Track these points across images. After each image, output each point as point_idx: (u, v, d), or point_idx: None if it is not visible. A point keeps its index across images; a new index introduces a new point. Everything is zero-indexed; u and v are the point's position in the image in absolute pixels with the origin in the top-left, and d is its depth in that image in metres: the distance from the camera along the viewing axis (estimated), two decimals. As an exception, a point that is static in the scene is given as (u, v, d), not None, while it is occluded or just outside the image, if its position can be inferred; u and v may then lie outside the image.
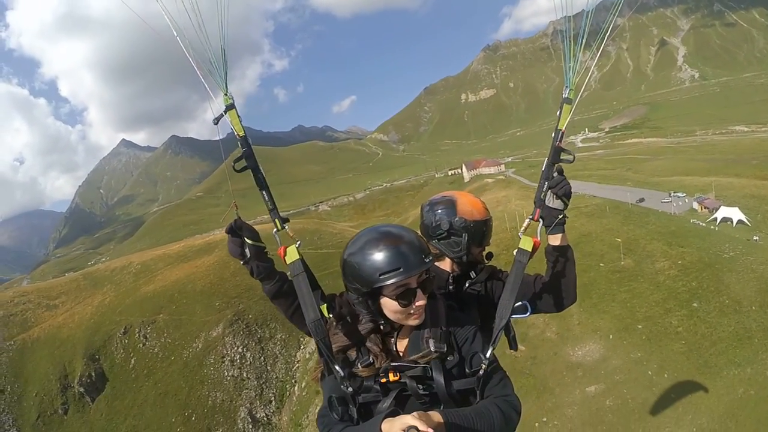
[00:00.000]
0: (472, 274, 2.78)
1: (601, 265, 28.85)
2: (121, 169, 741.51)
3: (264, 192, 2.54)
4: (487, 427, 1.75)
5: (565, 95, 2.46)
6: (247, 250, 2.42)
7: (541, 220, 2.48)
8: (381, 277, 1.82)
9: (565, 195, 2.46)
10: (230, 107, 2.46)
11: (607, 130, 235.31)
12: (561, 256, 2.56)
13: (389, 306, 1.92)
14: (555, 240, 2.55)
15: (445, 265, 2.80)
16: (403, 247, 1.87)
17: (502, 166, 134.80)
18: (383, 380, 1.91)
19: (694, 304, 23.77)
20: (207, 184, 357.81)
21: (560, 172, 2.46)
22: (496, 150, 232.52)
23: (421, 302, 1.93)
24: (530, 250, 2.35)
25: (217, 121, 2.47)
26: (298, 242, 2.40)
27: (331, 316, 2.17)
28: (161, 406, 44.61)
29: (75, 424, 45.82)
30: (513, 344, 2.62)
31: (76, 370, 49.57)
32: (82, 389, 48.09)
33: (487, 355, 1.99)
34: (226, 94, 2.47)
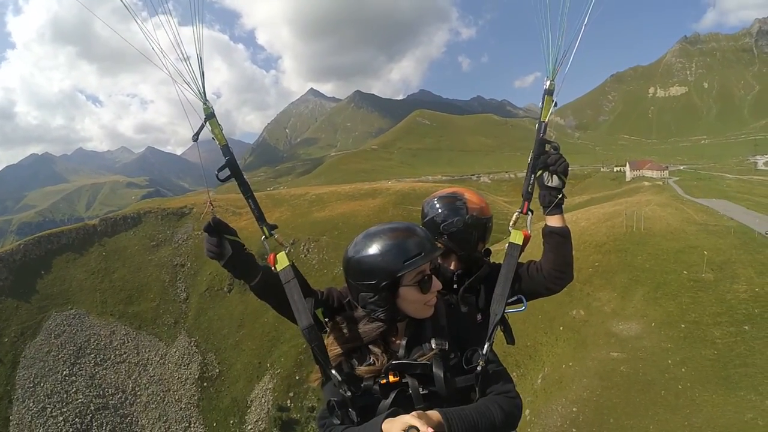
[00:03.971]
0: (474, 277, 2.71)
1: (685, 272, 30.53)
2: (306, 114, 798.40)
3: (250, 200, 2.45)
4: (488, 424, 1.72)
5: (545, 86, 2.34)
6: (227, 246, 2.29)
7: (530, 213, 2.44)
8: (406, 264, 1.80)
9: (563, 172, 2.37)
10: (210, 116, 2.34)
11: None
12: (560, 238, 2.44)
13: (409, 296, 1.89)
14: (553, 221, 2.43)
15: (449, 263, 2.78)
16: (417, 235, 1.90)
17: (666, 172, 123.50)
18: (383, 381, 1.85)
19: (745, 327, 23.81)
20: (383, 139, 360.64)
21: (556, 148, 2.38)
22: (675, 155, 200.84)
23: (437, 287, 1.93)
24: (521, 243, 2.35)
25: (196, 136, 2.36)
26: (287, 248, 2.33)
27: (327, 319, 2.16)
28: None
29: (234, 300, 56.93)
30: (509, 338, 2.65)
31: (248, 263, 62.56)
32: (248, 277, 60.87)
33: (484, 351, 1.94)
34: (205, 103, 2.33)
